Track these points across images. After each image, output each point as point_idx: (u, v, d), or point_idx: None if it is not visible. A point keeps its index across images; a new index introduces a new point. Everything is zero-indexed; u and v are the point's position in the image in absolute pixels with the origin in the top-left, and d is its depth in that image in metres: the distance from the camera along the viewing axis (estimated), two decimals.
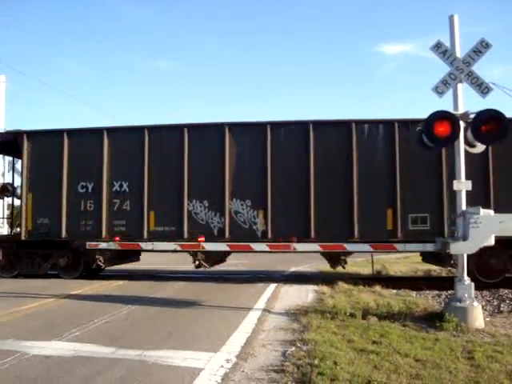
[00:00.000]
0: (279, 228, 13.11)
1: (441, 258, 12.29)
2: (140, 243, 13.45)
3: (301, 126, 13.39)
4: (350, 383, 4.99)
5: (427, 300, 10.50)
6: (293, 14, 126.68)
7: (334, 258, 13.30)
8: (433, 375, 5.31)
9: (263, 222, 13.20)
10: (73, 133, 14.39)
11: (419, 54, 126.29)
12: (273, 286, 12.40)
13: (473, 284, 8.08)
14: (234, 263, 17.14)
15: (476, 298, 8.53)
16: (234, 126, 13.64)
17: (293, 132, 13.46)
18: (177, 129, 13.87)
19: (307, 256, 16.33)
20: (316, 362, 5.64)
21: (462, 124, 8.09)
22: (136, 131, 14.02)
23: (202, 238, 13.19)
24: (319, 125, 13.37)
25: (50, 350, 6.33)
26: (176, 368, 5.60)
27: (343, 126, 13.24)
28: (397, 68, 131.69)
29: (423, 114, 10.01)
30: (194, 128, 13.87)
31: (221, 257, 14.19)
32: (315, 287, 11.94)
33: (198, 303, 9.94)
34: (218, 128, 13.64)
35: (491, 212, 8.07)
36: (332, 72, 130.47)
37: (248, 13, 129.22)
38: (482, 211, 7.87)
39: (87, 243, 13.62)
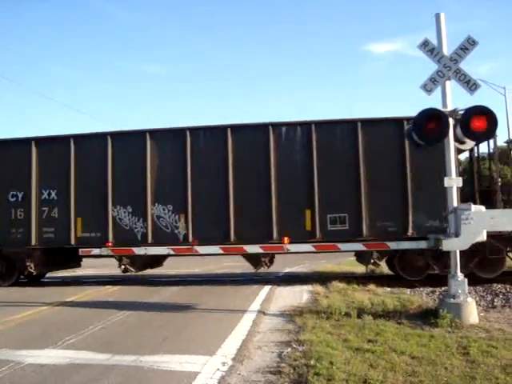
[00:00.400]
0: (200, 231, 13.31)
1: (362, 257, 13.15)
2: (133, 248, 13.40)
3: (220, 131, 13.60)
4: (347, 383, 4.99)
5: (421, 297, 10.54)
6: (279, 14, 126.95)
7: (254, 259, 13.46)
8: (429, 372, 5.33)
9: (184, 225, 13.41)
10: (2, 143, 14.64)
11: (408, 52, 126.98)
12: (267, 287, 12.40)
13: (466, 280, 8.12)
14: (228, 266, 17.11)
15: (470, 293, 8.57)
16: (155, 133, 13.93)
17: (212, 136, 13.70)
18: (100, 137, 14.11)
19: (305, 256, 16.39)
20: (312, 362, 5.64)
21: (451, 121, 8.13)
22: (62, 141, 14.21)
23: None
24: (238, 128, 13.64)
25: (44, 358, 6.28)
26: (172, 372, 5.58)
27: (261, 128, 13.45)
28: (385, 67, 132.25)
29: (413, 111, 10.10)
30: (117, 135, 14.21)
31: (147, 260, 14.34)
32: (309, 287, 11.96)
33: (193, 307, 9.91)
34: (139, 135, 13.93)
35: (482, 208, 8.13)
36: (319, 71, 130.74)
37: (236, 13, 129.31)
38: (474, 207, 7.92)
39: (80, 250, 13.59)
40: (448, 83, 8.44)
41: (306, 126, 13.30)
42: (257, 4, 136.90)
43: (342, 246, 12.85)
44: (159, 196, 13.57)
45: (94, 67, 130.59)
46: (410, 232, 12.69)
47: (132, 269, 13.71)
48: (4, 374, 5.60)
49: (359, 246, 12.78)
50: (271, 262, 13.72)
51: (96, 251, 13.49)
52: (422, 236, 12.33)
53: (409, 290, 11.51)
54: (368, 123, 13.24)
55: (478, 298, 10.13)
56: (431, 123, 8.02)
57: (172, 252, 13.38)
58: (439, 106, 8.35)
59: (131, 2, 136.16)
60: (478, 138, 8.46)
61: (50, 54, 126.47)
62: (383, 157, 12.96)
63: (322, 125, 13.32)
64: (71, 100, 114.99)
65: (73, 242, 13.77)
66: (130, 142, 14.05)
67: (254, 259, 13.51)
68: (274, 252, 13.40)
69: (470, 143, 8.67)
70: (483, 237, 7.96)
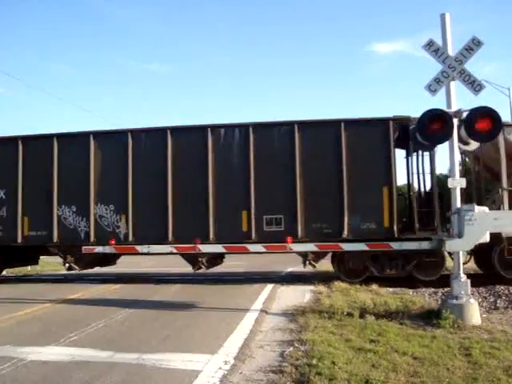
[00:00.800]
0: (140, 231, 13.63)
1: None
2: (136, 247, 13.44)
3: (160, 133, 13.88)
4: (349, 382, 4.99)
5: (424, 298, 10.52)
6: (281, 14, 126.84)
7: (191, 260, 13.67)
8: (431, 372, 5.33)
9: (125, 225, 13.69)
10: None
11: (412, 52, 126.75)
12: (270, 286, 12.40)
13: (469, 281, 8.11)
14: (230, 265, 17.11)
15: (472, 294, 8.57)
16: (99, 134, 14.29)
17: (153, 138, 13.99)
18: (47, 138, 14.43)
19: None
20: (314, 361, 5.64)
21: (455, 122, 8.12)
22: (11, 141, 14.56)
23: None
24: (177, 130, 13.94)
25: (47, 355, 6.30)
26: (174, 371, 5.59)
27: (200, 130, 13.71)
28: (389, 67, 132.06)
29: (416, 112, 10.16)
30: (62, 137, 14.49)
31: (94, 259, 14.64)
32: (312, 287, 11.96)
33: (195, 305, 9.93)
34: (83, 136, 14.21)
35: (486, 209, 8.11)
36: (323, 71, 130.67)
37: (239, 13, 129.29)
38: (477, 208, 7.91)
39: (83, 247, 13.61)
40: (452, 84, 8.43)
41: (243, 128, 13.51)
42: (259, 3, 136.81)
43: (345, 245, 12.85)
44: (102, 196, 13.92)
45: (95, 65, 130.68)
46: (344, 234, 12.84)
47: (76, 267, 14.08)
48: (7, 371, 5.62)
49: (362, 247, 12.76)
50: (211, 263, 13.93)
51: (99, 249, 13.53)
52: (357, 238, 12.66)
53: (411, 290, 11.51)
54: (305, 125, 13.38)
55: (480, 300, 10.12)
56: (435, 124, 8.02)
57: (174, 250, 13.39)
58: (442, 106, 8.35)
59: (132, 1, 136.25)
60: (483, 138, 8.43)
61: (50, 52, 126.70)
62: (320, 159, 13.15)
63: (259, 127, 13.54)
64: (74, 98, 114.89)
65: (20, 240, 14.11)
66: (74, 143, 14.39)
67: (190, 259, 13.76)
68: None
69: (474, 144, 8.65)
70: (486, 238, 7.95)
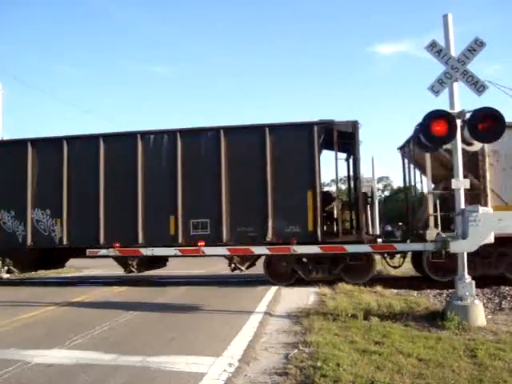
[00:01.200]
0: (74, 235, 14.08)
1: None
2: (140, 249, 13.45)
3: (93, 140, 14.29)
4: None
5: (428, 299, 10.50)
6: (285, 16, 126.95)
7: (123, 262, 13.99)
8: (436, 374, 5.31)
9: (60, 229, 14.11)
10: None
11: (415, 53, 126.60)
12: (274, 288, 12.39)
13: (474, 282, 8.08)
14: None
15: (477, 295, 8.55)
16: (37, 142, 14.67)
17: (86, 145, 14.40)
18: None
19: None
20: (319, 363, 5.63)
21: (458, 122, 8.10)
22: None
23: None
24: (108, 137, 14.37)
25: (51, 358, 6.30)
26: (179, 373, 5.58)
27: (130, 137, 14.09)
28: (392, 68, 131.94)
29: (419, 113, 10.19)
30: (2, 144, 15.43)
31: (32, 262, 15.21)
32: (316, 289, 11.94)
33: (200, 308, 9.92)
34: (21, 143, 14.64)
35: (490, 210, 8.09)
36: (325, 73, 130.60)
37: (242, 14, 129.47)
38: (481, 209, 7.88)
39: (87, 250, 13.63)
40: (455, 84, 8.41)
41: (172, 133, 13.87)
42: (261, 4, 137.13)
43: (349, 247, 12.83)
44: (39, 201, 14.32)
45: (98, 66, 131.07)
46: (269, 237, 13.08)
47: (15, 269, 14.71)
48: (12, 374, 5.63)
49: (366, 248, 12.73)
50: (142, 265, 14.08)
51: (103, 252, 13.55)
52: (282, 241, 12.80)
53: (416, 291, 11.48)
54: (230, 131, 13.68)
55: (485, 301, 10.08)
56: (439, 125, 7.99)
57: (179, 253, 13.39)
58: (445, 107, 8.34)
59: (134, 2, 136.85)
60: (486, 139, 8.41)
61: (52, 53, 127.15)
62: (245, 164, 13.43)
63: (186, 133, 13.90)
64: (77, 99, 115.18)
65: None
66: (13, 150, 14.80)
67: (121, 262, 14.04)
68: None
69: (477, 145, 8.63)
70: (491, 239, 7.93)
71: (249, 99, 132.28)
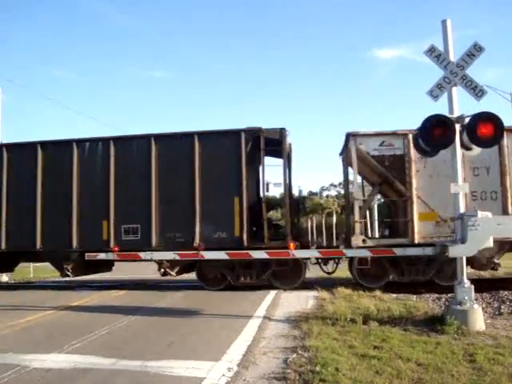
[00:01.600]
0: (12, 240, 14.34)
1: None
2: (140, 253, 13.44)
3: (31, 147, 14.48)
4: None
5: (427, 303, 10.48)
6: (285, 21, 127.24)
7: (59, 266, 14.33)
8: (435, 379, 5.30)
9: None
10: None
11: (414, 58, 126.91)
12: (273, 293, 12.38)
13: (473, 287, 8.08)
14: None
15: (476, 300, 8.53)
16: None
17: (25, 153, 14.62)
18: None
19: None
20: (318, 368, 5.62)
21: (457, 127, 8.11)
22: None
23: None
24: (46, 145, 14.59)
25: (50, 362, 6.30)
26: (178, 378, 5.58)
27: (67, 144, 14.36)
28: (391, 72, 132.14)
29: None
30: None
31: None
32: (315, 293, 11.93)
33: (199, 312, 9.91)
34: None
35: (489, 214, 8.08)
36: (325, 78, 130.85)
37: (243, 20, 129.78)
38: (480, 214, 7.88)
39: (86, 254, 13.61)
40: (454, 89, 8.43)
41: (106, 141, 14.18)
42: (259, 10, 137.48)
43: (347, 252, 12.87)
44: None
45: (100, 72, 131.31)
46: (196, 243, 13.28)
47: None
48: (10, 378, 5.62)
49: (365, 253, 12.73)
50: (78, 270, 14.23)
51: (102, 256, 13.54)
52: (209, 247, 13.03)
53: (415, 296, 11.46)
54: (161, 138, 13.95)
55: (484, 305, 10.07)
56: (438, 129, 8.00)
57: (177, 257, 13.39)
58: (444, 112, 8.35)
59: (137, 9, 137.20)
60: (485, 144, 8.41)
61: (55, 58, 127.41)
62: (175, 171, 13.71)
63: (119, 140, 14.32)
64: (81, 106, 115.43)
65: None
66: None
67: (57, 265, 14.45)
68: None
69: (476, 149, 8.63)
70: (490, 243, 7.92)
71: (248, 105, 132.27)
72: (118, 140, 14.21)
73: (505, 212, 12.41)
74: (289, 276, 13.35)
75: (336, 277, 14.43)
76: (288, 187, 14.11)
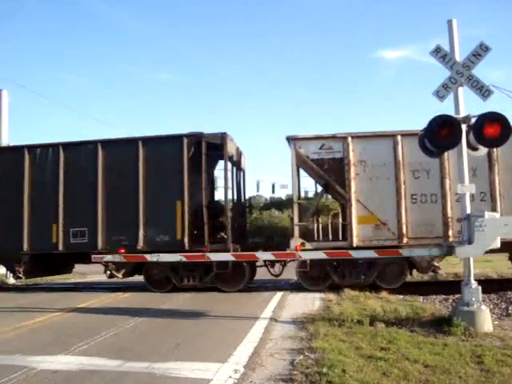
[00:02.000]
0: None
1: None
2: (145, 255, 13.46)
3: None
4: None
5: (434, 305, 10.45)
6: (290, 24, 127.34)
7: (11, 268, 14.89)
8: (442, 381, 5.28)
9: None
10: None
11: (420, 58, 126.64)
12: (279, 294, 12.36)
13: (480, 288, 8.04)
14: None
15: (483, 301, 8.49)
16: None
17: None
18: None
19: None
20: (324, 370, 5.61)
21: (464, 127, 8.08)
22: None
23: None
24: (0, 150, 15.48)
25: (57, 364, 6.32)
26: (184, 380, 5.58)
27: (18, 150, 14.76)
28: (397, 73, 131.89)
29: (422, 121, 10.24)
30: None
31: None
32: (321, 295, 11.91)
33: (205, 313, 9.91)
34: None
35: (496, 215, 8.06)
36: (331, 79, 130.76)
37: (246, 23, 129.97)
38: (487, 214, 7.85)
39: (92, 256, 13.65)
40: (460, 89, 8.42)
41: (55, 147, 14.50)
42: (263, 13, 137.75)
43: (354, 253, 12.82)
44: None
45: (105, 74, 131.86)
46: (140, 246, 13.59)
47: None
48: (17, 380, 5.65)
49: (372, 254, 12.68)
50: (31, 272, 14.70)
51: (108, 257, 13.56)
52: (152, 250, 12.95)
53: (421, 297, 11.43)
54: (107, 144, 14.30)
55: (491, 306, 10.04)
56: (444, 130, 7.96)
57: (184, 259, 13.39)
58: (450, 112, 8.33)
59: (141, 12, 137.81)
60: (492, 144, 8.38)
61: (60, 61, 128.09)
62: (120, 175, 14.08)
63: (68, 146, 14.57)
64: (85, 107, 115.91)
65: None
66: None
67: (9, 267, 15.16)
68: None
69: (483, 150, 8.59)
70: (497, 244, 7.88)
71: (253, 110, 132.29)
72: (67, 146, 14.53)
73: (444, 215, 12.48)
74: (232, 279, 13.51)
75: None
76: (237, 190, 15.00)
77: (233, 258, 12.49)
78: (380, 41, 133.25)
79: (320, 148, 13.05)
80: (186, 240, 13.34)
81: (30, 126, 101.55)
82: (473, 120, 8.05)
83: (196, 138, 13.68)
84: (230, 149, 14.18)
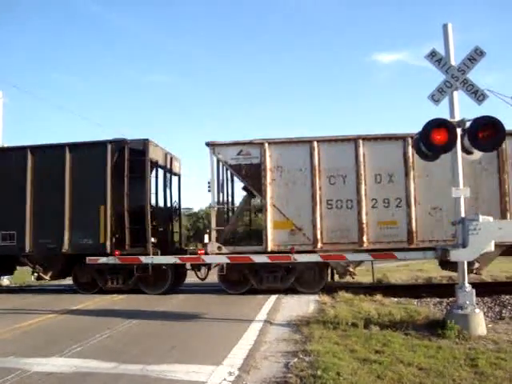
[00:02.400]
0: None
1: None
2: (140, 257, 13.45)
3: None
4: None
5: (429, 308, 10.47)
6: (286, 27, 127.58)
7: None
8: None
9: None
10: None
11: (414, 62, 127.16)
12: (274, 297, 12.35)
13: (474, 291, 8.07)
14: None
15: (477, 304, 8.52)
16: None
17: None
18: None
19: None
20: (319, 372, 5.62)
21: (458, 131, 8.11)
22: None
23: None
24: None
25: (51, 366, 6.29)
26: (179, 382, 5.57)
27: None
28: (391, 76, 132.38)
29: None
30: None
31: None
32: (316, 297, 11.93)
33: (200, 316, 9.90)
34: None
35: (490, 218, 8.08)
36: (325, 82, 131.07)
37: (243, 26, 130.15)
38: (481, 218, 7.88)
39: (87, 258, 13.63)
40: (455, 93, 8.45)
41: None
42: (259, 15, 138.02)
43: (349, 256, 12.84)
44: None
45: (101, 76, 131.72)
46: (65, 249, 13.92)
47: None
48: (11, 382, 5.62)
49: (366, 257, 12.70)
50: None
51: (103, 260, 13.55)
52: (77, 253, 13.73)
53: (416, 300, 11.45)
54: (36, 149, 14.62)
55: (485, 309, 10.07)
56: (439, 133, 7.99)
57: (179, 261, 13.39)
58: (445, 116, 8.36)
59: (137, 11, 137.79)
60: (486, 148, 8.41)
61: (54, 62, 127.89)
62: (48, 180, 14.32)
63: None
64: (78, 108, 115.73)
65: None
66: None
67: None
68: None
69: (477, 153, 8.63)
70: (491, 247, 7.92)
71: (249, 110, 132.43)
72: None
73: (359, 220, 12.64)
74: (155, 282, 13.82)
75: (336, 282, 14.36)
76: (165, 195, 15.75)
77: (149, 262, 12.97)
78: (376, 44, 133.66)
79: (238, 154, 13.24)
80: (108, 243, 13.68)
81: (24, 127, 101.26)
82: (468, 124, 8.08)
83: (120, 144, 14.03)
84: (155, 155, 14.66)
